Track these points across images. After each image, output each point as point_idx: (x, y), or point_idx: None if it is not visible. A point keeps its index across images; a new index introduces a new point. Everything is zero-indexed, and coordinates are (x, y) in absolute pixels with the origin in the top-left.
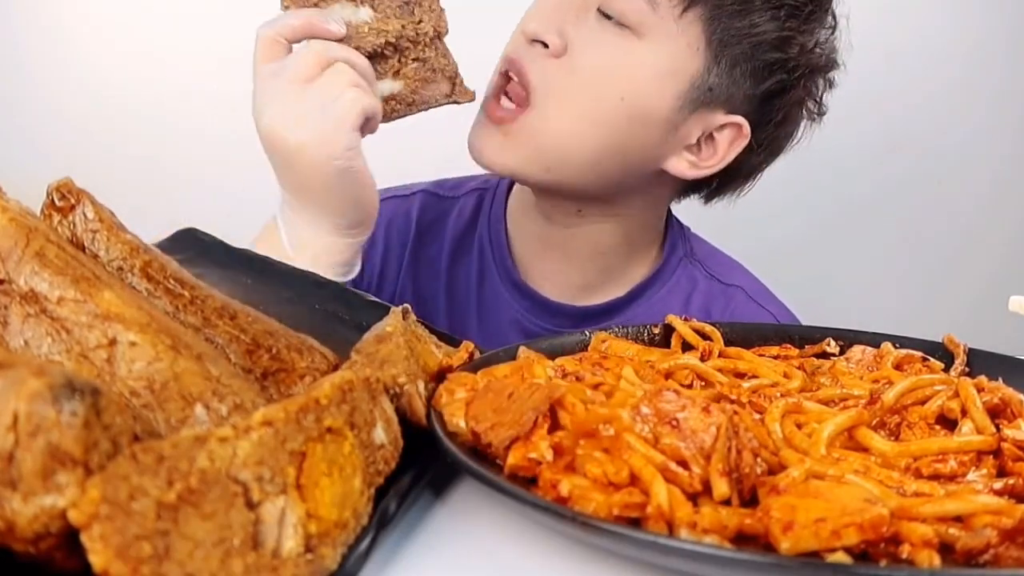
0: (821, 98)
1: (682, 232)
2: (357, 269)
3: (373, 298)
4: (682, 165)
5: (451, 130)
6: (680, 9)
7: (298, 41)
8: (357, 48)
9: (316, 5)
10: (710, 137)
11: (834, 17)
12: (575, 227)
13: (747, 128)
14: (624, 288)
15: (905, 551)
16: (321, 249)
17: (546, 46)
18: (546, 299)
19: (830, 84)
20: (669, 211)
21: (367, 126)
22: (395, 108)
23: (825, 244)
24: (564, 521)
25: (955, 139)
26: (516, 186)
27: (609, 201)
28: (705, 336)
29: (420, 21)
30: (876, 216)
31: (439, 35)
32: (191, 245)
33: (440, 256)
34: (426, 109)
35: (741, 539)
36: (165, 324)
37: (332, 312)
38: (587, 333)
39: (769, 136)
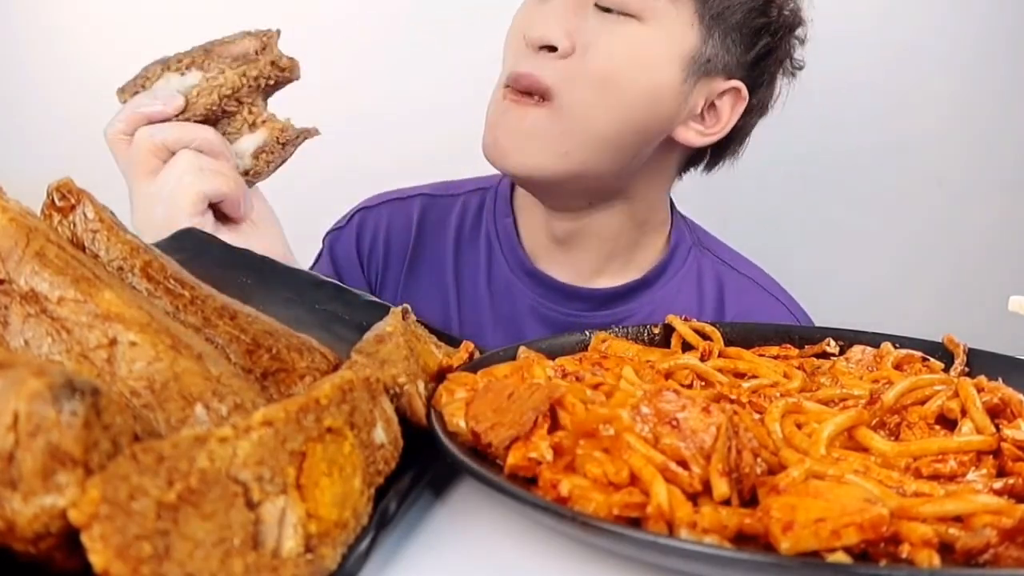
0: (794, 55)
1: (685, 222)
2: None
3: (373, 298)
4: (691, 135)
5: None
6: None
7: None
8: (195, 116)
9: (142, 87)
10: (711, 106)
11: None
12: (583, 218)
13: (745, 91)
14: (638, 271)
15: (905, 551)
16: None
17: (553, 49)
18: (562, 284)
19: (801, 40)
20: (671, 202)
21: (225, 204)
22: (269, 159)
23: (825, 244)
24: (564, 521)
25: (957, 140)
26: (521, 192)
27: (619, 184)
28: (705, 336)
29: (258, 61)
30: (876, 216)
31: (282, 68)
32: (191, 245)
33: (445, 253)
34: (294, 151)
35: (741, 539)
36: (165, 324)
37: (332, 312)
38: (587, 333)
39: (761, 97)
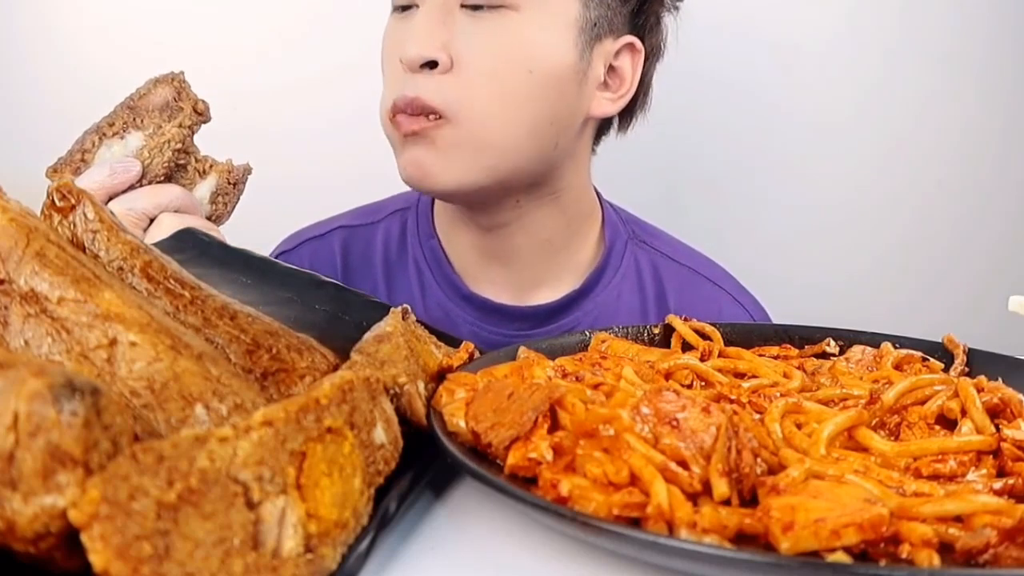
0: None
1: (618, 214)
2: None
3: (373, 298)
4: (604, 105)
5: None
6: None
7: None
8: (156, 177)
9: (83, 160)
10: (611, 69)
11: None
12: (514, 223)
13: (638, 43)
14: (575, 277)
15: (905, 551)
16: None
17: (434, 65)
18: (500, 305)
19: None
20: (598, 192)
21: None
22: (226, 201)
23: (825, 243)
24: (564, 521)
25: (955, 139)
26: (439, 203)
27: (546, 176)
28: (705, 336)
29: (182, 108)
30: (876, 216)
31: (199, 113)
32: (191, 245)
33: (376, 285)
34: (244, 189)
35: (741, 539)
36: (165, 324)
37: (332, 312)
38: (587, 333)
39: (654, 43)
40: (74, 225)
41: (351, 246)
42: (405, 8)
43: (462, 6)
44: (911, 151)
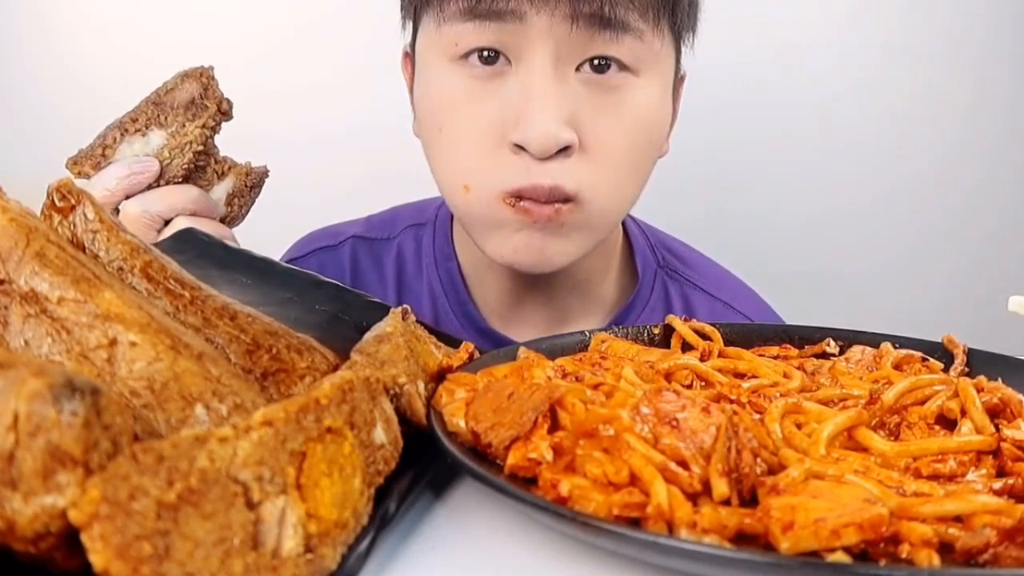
0: None
1: (647, 238)
2: None
3: (373, 298)
4: (665, 146)
5: None
6: (655, 21)
7: (118, 204)
8: (175, 178)
9: (104, 156)
10: None
11: None
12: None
13: (684, 72)
14: (603, 312)
15: (905, 551)
16: None
17: (565, 148)
18: (516, 343)
19: None
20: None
21: None
22: (242, 203)
23: (824, 243)
24: (564, 521)
25: (955, 140)
26: (464, 235)
27: None
28: (705, 336)
29: (207, 107)
30: (875, 216)
31: (223, 112)
32: (191, 245)
33: (385, 300)
34: (260, 192)
35: (741, 539)
36: (165, 324)
37: (332, 312)
38: (587, 333)
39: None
40: (74, 225)
41: (361, 258)
42: (488, 62)
43: (589, 65)
44: (912, 151)
